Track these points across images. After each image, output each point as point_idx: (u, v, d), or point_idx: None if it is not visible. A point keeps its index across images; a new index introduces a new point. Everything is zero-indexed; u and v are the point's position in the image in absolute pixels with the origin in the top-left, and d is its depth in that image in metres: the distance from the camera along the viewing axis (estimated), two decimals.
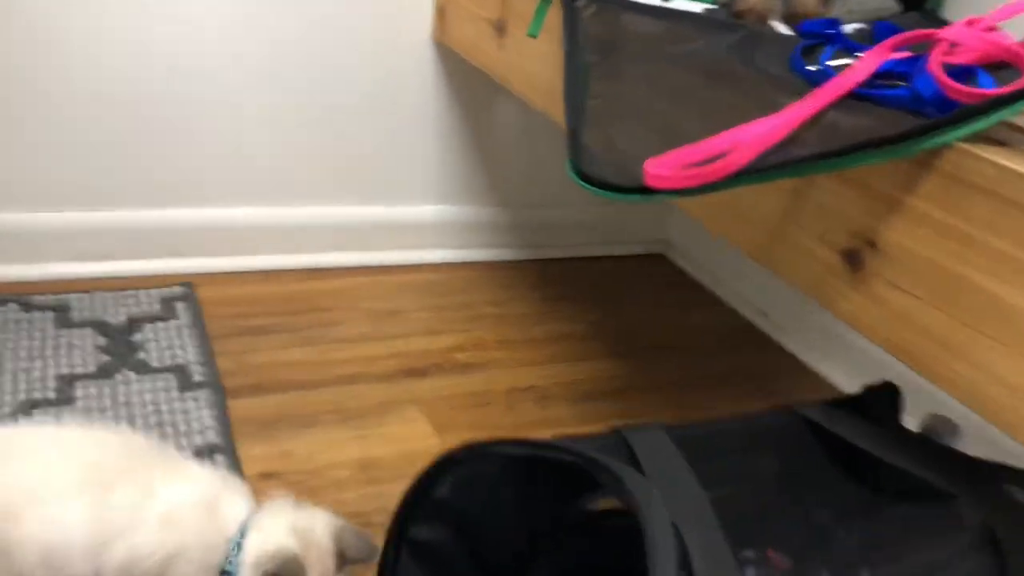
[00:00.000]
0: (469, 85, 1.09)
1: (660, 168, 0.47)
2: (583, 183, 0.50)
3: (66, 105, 0.91)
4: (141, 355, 0.85)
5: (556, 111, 0.69)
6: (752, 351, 1.13)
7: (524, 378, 0.95)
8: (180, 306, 0.94)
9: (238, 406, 0.81)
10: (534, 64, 0.81)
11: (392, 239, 1.15)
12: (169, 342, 0.88)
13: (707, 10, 0.72)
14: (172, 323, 0.91)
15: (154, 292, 0.96)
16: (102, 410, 0.77)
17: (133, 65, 0.93)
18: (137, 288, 0.96)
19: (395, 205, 1.14)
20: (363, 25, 1.01)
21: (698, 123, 0.52)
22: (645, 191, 0.47)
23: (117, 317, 0.90)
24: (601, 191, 0.49)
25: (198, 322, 0.92)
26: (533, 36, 0.72)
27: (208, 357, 0.87)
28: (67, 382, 0.79)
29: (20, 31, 0.86)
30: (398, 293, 1.09)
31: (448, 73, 1.08)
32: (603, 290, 1.21)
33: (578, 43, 0.65)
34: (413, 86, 1.07)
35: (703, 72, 0.59)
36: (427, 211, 1.16)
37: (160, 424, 0.77)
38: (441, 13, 1.02)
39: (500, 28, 0.87)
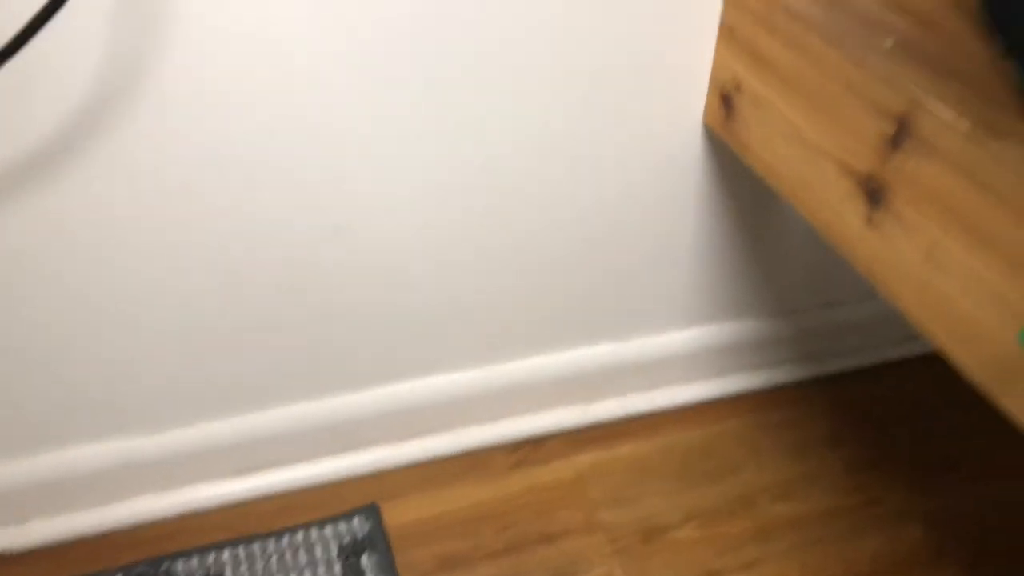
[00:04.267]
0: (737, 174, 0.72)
1: None
2: None
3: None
4: None
5: None
6: None
7: None
8: (366, 562, 0.67)
9: None
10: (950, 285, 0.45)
11: (626, 382, 0.83)
12: None
13: None
14: None
15: (328, 532, 0.69)
16: None
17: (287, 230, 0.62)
18: (296, 525, 0.70)
19: (630, 338, 0.81)
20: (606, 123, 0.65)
21: None
22: None
23: None
24: None
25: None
26: None
27: None
28: None
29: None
30: (641, 480, 0.77)
31: (718, 165, 0.71)
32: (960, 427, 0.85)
33: None
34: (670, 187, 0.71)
35: None
36: (674, 339, 0.83)
37: None
38: (726, 101, 0.64)
39: (874, 196, 0.50)
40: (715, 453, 0.81)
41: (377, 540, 0.70)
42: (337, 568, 0.67)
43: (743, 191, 0.74)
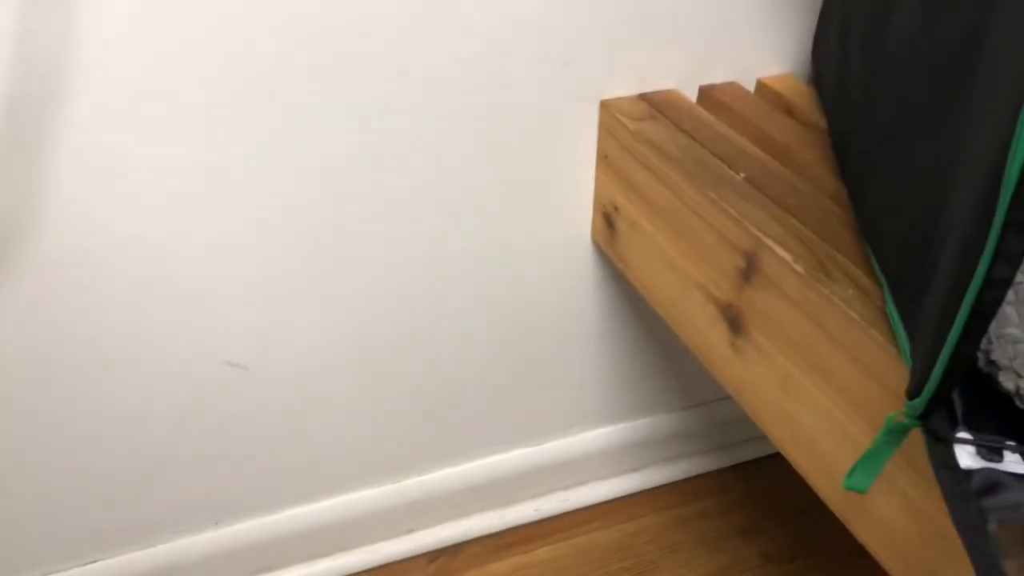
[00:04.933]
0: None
1: None
2: None
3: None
4: None
5: None
6: None
7: None
8: None
9: None
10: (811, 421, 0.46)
11: (543, 484, 0.84)
12: None
13: None
14: None
15: None
16: None
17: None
18: None
19: (544, 442, 0.82)
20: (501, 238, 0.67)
21: None
22: None
23: None
24: None
25: None
26: (857, 491, 0.38)
27: None
28: None
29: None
30: None
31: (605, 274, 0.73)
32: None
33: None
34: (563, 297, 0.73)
35: None
36: (588, 439, 0.84)
37: None
38: (608, 221, 0.66)
39: (734, 324, 0.52)
40: (632, 552, 0.82)
41: None
42: None
43: (639, 295, 0.76)
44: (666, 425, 0.87)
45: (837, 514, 0.46)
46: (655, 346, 0.81)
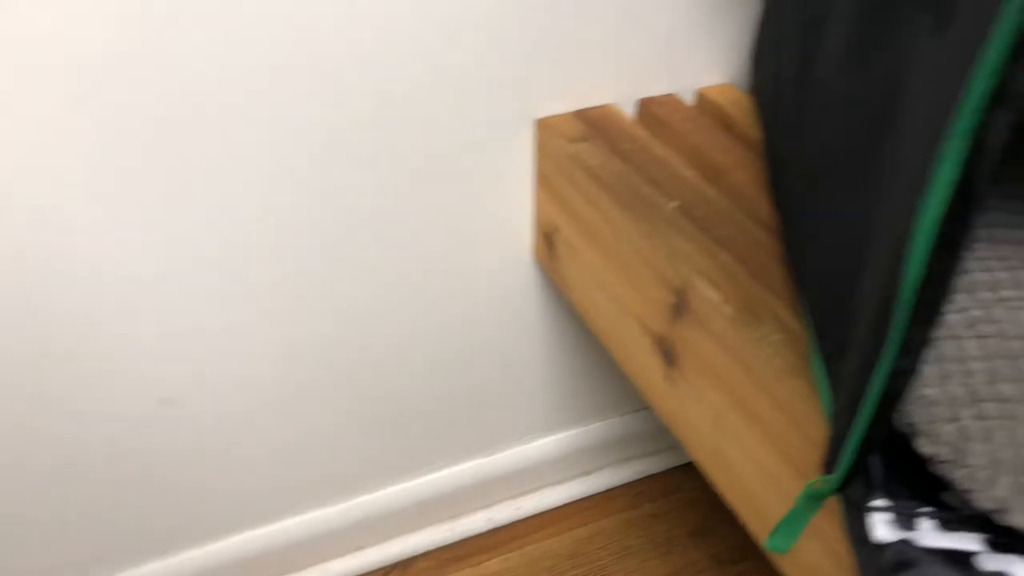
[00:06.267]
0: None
1: None
2: None
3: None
4: None
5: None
6: None
7: None
8: None
9: None
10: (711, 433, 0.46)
11: (494, 494, 0.84)
12: None
13: None
14: None
15: None
16: None
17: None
18: None
19: (494, 452, 0.82)
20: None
21: None
22: None
23: None
24: None
25: None
26: (778, 552, 0.37)
27: None
28: None
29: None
30: None
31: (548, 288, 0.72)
32: None
33: None
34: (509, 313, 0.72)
35: None
36: (539, 446, 0.83)
37: None
38: (548, 242, 0.65)
39: (669, 357, 0.51)
40: (584, 558, 0.82)
41: None
42: None
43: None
44: (618, 428, 0.87)
45: (768, 555, 0.46)
46: (603, 352, 0.80)
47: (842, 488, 0.32)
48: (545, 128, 0.60)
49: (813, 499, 0.34)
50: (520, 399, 0.79)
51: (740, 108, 0.63)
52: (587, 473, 0.88)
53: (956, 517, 0.33)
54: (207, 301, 0.59)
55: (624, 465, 0.89)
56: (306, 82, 0.53)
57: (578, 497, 0.87)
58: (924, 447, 0.33)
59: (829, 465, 0.33)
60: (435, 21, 0.54)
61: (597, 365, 0.81)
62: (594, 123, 0.61)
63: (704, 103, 0.65)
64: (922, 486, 0.35)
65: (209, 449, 0.67)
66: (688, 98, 0.65)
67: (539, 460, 0.84)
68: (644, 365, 0.54)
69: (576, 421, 0.84)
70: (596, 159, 0.57)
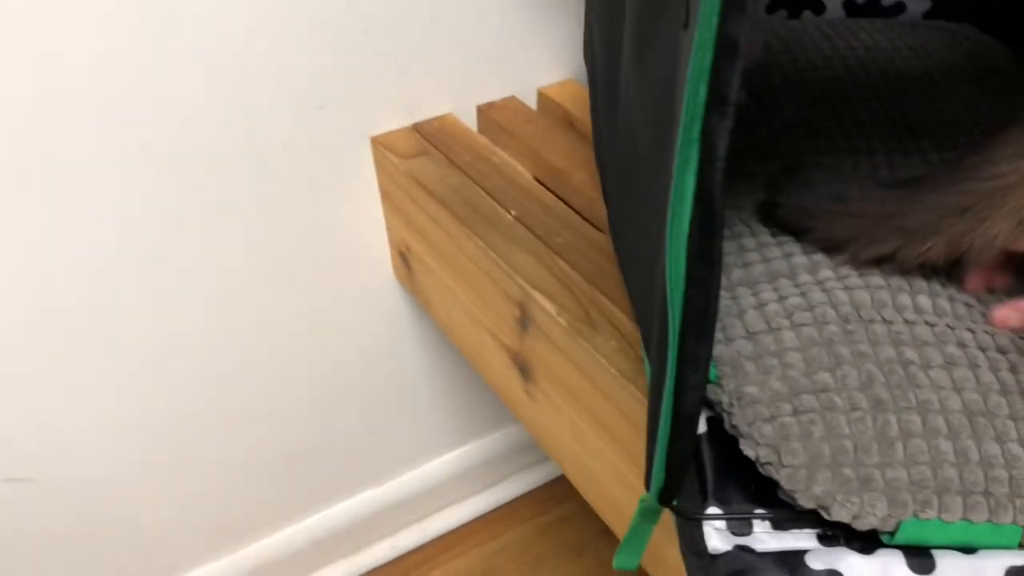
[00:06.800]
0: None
1: None
2: None
3: None
4: None
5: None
6: None
7: None
8: None
9: None
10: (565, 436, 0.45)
11: (395, 521, 0.81)
12: None
13: None
14: None
15: None
16: None
17: None
18: None
19: (389, 479, 0.79)
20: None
21: None
22: None
23: None
24: None
25: None
26: (628, 570, 0.36)
27: None
28: None
29: None
30: None
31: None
32: None
33: None
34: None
35: None
36: (435, 467, 0.81)
37: None
38: (404, 260, 0.63)
39: (524, 371, 0.49)
40: (496, 574, 0.80)
41: None
42: None
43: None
44: (515, 436, 0.85)
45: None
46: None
47: (663, 502, 0.31)
48: (380, 146, 0.58)
49: (648, 514, 0.33)
50: (405, 423, 0.77)
51: (581, 104, 0.62)
52: (491, 485, 0.86)
53: (790, 515, 0.32)
54: (52, 371, 0.55)
55: (528, 472, 0.88)
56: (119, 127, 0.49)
57: (484, 511, 0.85)
58: (747, 450, 0.32)
59: (647, 481, 0.31)
60: (259, 46, 0.51)
61: (479, 377, 0.79)
62: (431, 136, 0.58)
63: (545, 103, 0.63)
64: (761, 486, 0.34)
65: (74, 522, 0.63)
66: (530, 98, 0.64)
67: (439, 480, 0.82)
68: (505, 380, 0.53)
69: (470, 436, 0.82)
70: (432, 174, 0.54)
